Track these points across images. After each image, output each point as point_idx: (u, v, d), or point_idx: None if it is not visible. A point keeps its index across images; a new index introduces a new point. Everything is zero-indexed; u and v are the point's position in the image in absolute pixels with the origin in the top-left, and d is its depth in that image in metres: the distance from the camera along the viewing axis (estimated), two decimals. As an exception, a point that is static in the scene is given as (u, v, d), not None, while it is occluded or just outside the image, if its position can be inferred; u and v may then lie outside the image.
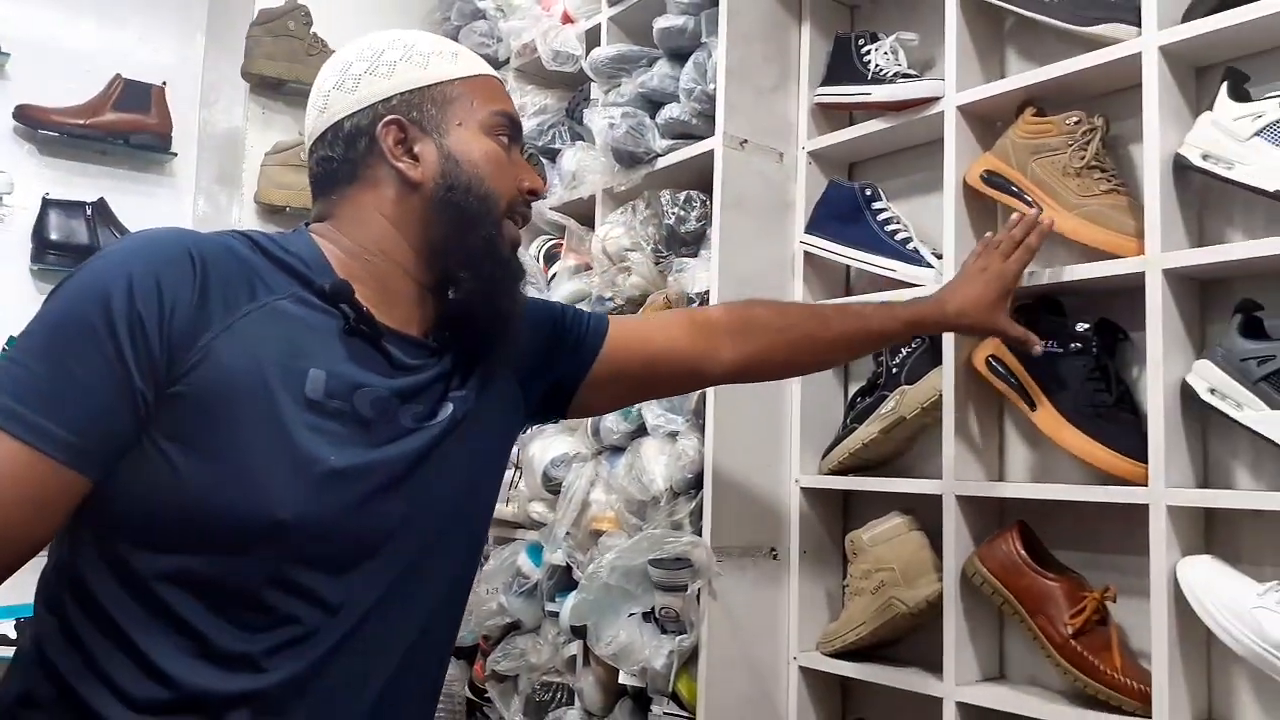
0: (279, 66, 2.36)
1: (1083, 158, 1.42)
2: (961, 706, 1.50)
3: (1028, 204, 1.49)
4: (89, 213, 2.42)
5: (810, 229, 1.82)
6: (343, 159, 0.98)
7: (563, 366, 1.17)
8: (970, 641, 1.55)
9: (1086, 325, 1.46)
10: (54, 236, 2.37)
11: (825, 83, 1.86)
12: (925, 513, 1.63)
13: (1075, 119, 1.45)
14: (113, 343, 0.78)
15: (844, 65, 1.80)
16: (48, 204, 2.38)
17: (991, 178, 1.54)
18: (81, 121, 2.44)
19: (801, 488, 1.80)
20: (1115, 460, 1.38)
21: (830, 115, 1.90)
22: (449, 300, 0.99)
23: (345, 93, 0.99)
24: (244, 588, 0.82)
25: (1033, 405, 1.47)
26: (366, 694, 0.89)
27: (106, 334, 0.78)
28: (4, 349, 2.00)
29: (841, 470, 1.76)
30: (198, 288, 0.83)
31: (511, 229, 1.02)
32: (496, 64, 2.40)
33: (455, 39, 2.50)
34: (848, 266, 1.86)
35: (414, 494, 0.92)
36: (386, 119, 0.97)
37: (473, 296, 0.98)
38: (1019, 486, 1.53)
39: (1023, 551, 1.46)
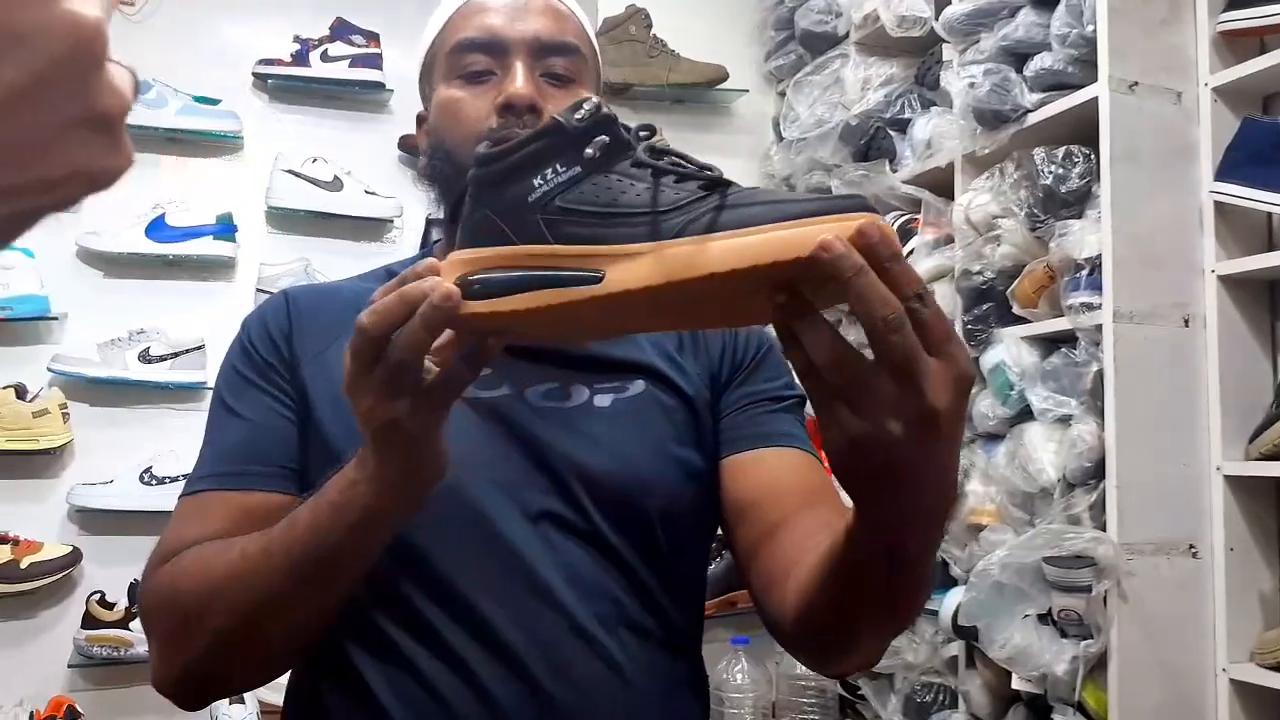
0: (623, 72, 2.42)
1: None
2: None
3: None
4: (462, 229, 2.63)
5: (1222, 176, 1.57)
6: None
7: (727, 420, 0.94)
8: None
9: None
10: (435, 253, 2.59)
11: (1230, 6, 1.60)
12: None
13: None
14: (252, 382, 0.85)
15: (1256, -19, 1.54)
16: (430, 223, 2.60)
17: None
18: (453, 146, 2.66)
19: (1225, 476, 1.56)
20: None
21: (1235, 44, 1.63)
22: None
23: None
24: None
25: None
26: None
27: (245, 378, 0.85)
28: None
29: (1274, 455, 1.50)
30: (293, 329, 0.86)
31: None
32: (835, 39, 2.32)
33: (790, 20, 2.45)
34: (1269, 215, 1.59)
35: (523, 468, 0.84)
36: (418, 121, 0.94)
37: None
38: None
39: None
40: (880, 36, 2.15)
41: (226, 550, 0.75)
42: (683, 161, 0.60)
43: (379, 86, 2.54)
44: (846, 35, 2.28)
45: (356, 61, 2.51)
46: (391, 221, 2.57)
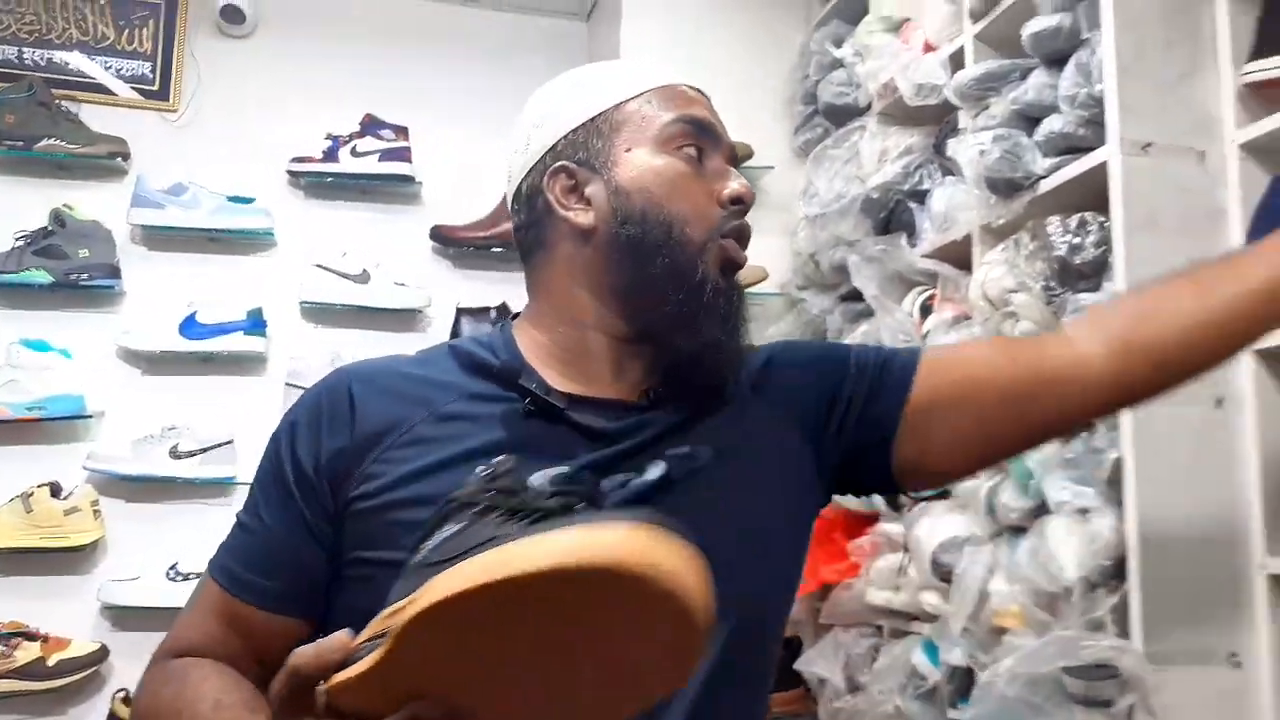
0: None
1: None
2: None
3: None
4: (494, 316, 2.61)
5: (1252, 239, 1.43)
6: (527, 225, 0.91)
7: (867, 412, 0.92)
8: None
9: None
10: (466, 341, 2.58)
11: (1255, 56, 1.47)
12: None
13: None
14: (283, 485, 0.84)
15: (1273, 31, 1.41)
16: (460, 312, 2.59)
17: None
18: (483, 234, 2.65)
19: (1269, 575, 1.38)
20: None
21: (1267, 96, 1.49)
22: (655, 349, 0.87)
23: (520, 153, 0.92)
24: None
25: None
26: None
27: (279, 478, 0.85)
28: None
29: (1331, 552, 1.32)
30: (355, 417, 0.85)
31: (723, 250, 0.87)
32: (858, 111, 2.24)
33: (814, 95, 2.39)
34: (1314, 282, 1.43)
35: None
36: (552, 168, 0.89)
37: (671, 334, 0.85)
38: None
39: None
40: (900, 106, 2.06)
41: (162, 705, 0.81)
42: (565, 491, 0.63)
43: (409, 179, 2.57)
44: (869, 106, 2.20)
45: (386, 155, 2.55)
46: (421, 311, 2.58)
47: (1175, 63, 1.52)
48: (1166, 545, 1.38)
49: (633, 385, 0.88)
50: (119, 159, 2.44)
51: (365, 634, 0.62)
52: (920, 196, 1.98)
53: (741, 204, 0.88)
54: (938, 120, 2.02)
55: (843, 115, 2.27)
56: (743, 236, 0.89)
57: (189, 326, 2.38)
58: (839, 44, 2.31)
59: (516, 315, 0.94)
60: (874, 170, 2.05)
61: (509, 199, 0.94)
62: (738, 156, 0.95)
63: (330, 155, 2.54)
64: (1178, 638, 1.37)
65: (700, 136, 0.89)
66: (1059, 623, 1.45)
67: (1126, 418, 1.40)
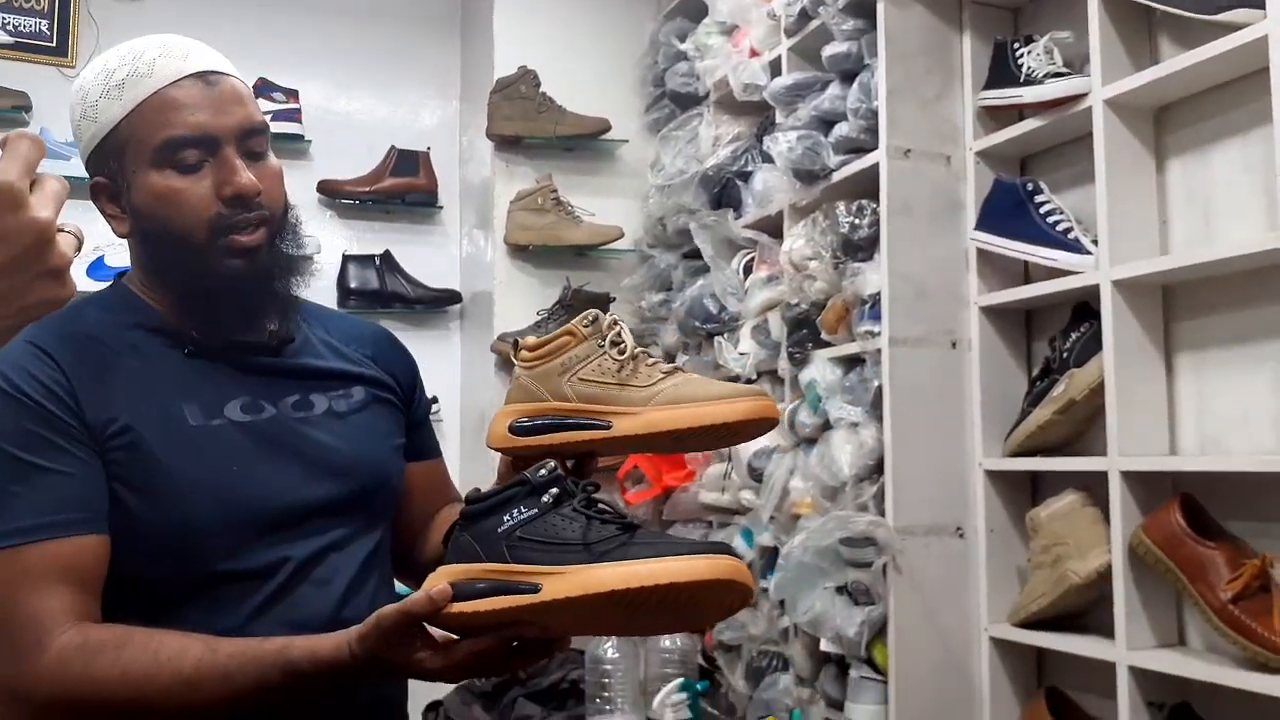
0: (515, 125, 2.75)
1: (624, 350, 0.97)
2: (1134, 671, 1.58)
3: (590, 426, 0.96)
4: (378, 263, 2.94)
5: (979, 226, 1.93)
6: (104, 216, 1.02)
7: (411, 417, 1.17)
8: (1143, 609, 1.61)
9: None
10: (353, 285, 2.90)
11: (987, 86, 1.96)
12: (1103, 489, 1.70)
13: (590, 318, 1.00)
14: (48, 433, 0.91)
15: (1001, 69, 1.90)
16: (347, 259, 2.91)
17: (520, 425, 0.99)
18: (367, 189, 2.96)
19: (985, 470, 1.91)
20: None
21: (1000, 114, 1.99)
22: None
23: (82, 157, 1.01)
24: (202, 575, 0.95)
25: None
26: None
27: (37, 429, 0.90)
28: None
29: (1023, 452, 1.85)
30: (64, 374, 0.92)
31: (228, 245, 0.96)
32: (698, 99, 2.66)
33: (662, 80, 2.79)
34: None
35: (305, 470, 1.00)
36: (92, 183, 0.98)
37: (209, 318, 0.99)
38: (1179, 460, 1.58)
39: (1183, 522, 1.53)
40: (731, 99, 2.49)
41: (152, 662, 0.86)
42: (606, 509, 0.87)
43: (299, 138, 2.85)
44: (707, 95, 2.62)
45: (277, 116, 2.80)
46: (310, 258, 2.87)
47: (931, 88, 2.00)
48: (912, 449, 1.89)
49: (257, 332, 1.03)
50: (21, 111, 2.62)
51: (462, 576, 0.85)
52: (745, 176, 2.43)
53: (242, 199, 0.95)
54: (760, 113, 2.46)
55: (686, 101, 2.69)
56: (252, 224, 0.97)
57: (97, 269, 2.60)
58: (683, 38, 2.71)
59: (122, 275, 1.05)
60: (710, 153, 2.48)
61: None
62: (258, 127, 0.99)
63: (225, 115, 2.77)
64: (919, 516, 1.89)
65: (194, 148, 0.94)
66: (837, 507, 1.95)
67: (885, 356, 1.90)
